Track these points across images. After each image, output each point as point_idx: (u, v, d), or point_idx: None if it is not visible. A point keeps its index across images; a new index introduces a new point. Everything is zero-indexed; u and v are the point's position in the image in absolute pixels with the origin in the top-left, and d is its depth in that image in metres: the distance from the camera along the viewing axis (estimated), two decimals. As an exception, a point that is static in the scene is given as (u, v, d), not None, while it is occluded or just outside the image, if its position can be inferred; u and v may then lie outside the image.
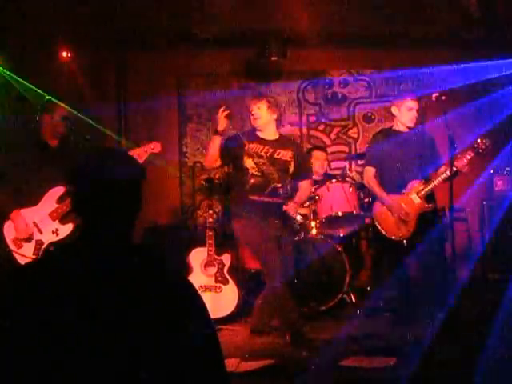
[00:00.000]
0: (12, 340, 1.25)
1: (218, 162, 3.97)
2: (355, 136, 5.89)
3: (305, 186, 4.10)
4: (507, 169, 5.31)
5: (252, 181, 3.87)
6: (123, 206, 1.42)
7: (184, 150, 5.75)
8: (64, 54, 5.19)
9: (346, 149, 5.89)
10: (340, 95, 5.89)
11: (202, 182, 5.06)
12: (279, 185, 3.84)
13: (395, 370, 3.13)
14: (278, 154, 3.95)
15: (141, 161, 3.59)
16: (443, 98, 3.98)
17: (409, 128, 4.29)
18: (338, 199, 4.62)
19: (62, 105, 3.81)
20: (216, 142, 3.88)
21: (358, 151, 5.80)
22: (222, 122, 3.83)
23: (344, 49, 5.67)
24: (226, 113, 3.80)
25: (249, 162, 3.89)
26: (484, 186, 5.38)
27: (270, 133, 3.98)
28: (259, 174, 3.87)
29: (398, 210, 4.16)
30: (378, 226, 4.30)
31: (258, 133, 3.97)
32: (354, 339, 3.75)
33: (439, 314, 3.94)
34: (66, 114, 3.79)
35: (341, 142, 5.90)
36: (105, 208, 1.39)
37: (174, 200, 5.70)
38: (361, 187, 5.04)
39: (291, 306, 3.81)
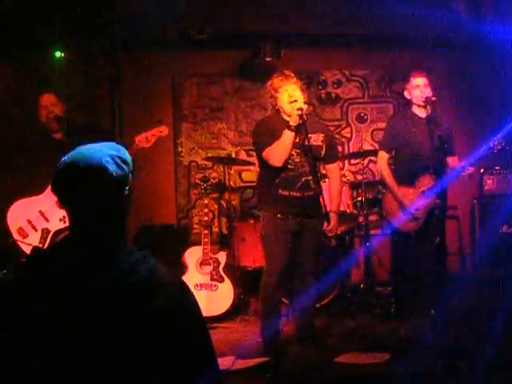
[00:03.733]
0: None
1: None
2: (348, 136, 5.96)
3: (335, 177, 3.79)
4: (497, 168, 5.38)
5: (282, 175, 3.54)
6: (109, 204, 1.37)
7: (179, 149, 5.79)
8: (59, 53, 5.21)
9: (340, 148, 5.94)
10: (333, 95, 5.96)
11: (198, 181, 5.10)
12: (310, 177, 3.54)
13: (389, 366, 3.20)
14: (309, 140, 3.52)
15: (148, 144, 3.76)
16: (433, 98, 4.04)
17: (423, 107, 4.13)
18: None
19: (50, 95, 3.86)
20: (291, 138, 3.45)
21: (351, 151, 5.87)
22: (296, 118, 3.43)
23: (337, 49, 5.73)
24: (300, 111, 3.42)
25: None
26: (475, 185, 5.45)
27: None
28: (292, 166, 3.54)
29: (408, 206, 4.12)
30: (387, 216, 4.33)
31: (288, 118, 3.51)
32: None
33: (431, 310, 4.02)
34: (51, 102, 3.84)
35: (334, 142, 5.95)
36: (89, 206, 1.36)
37: (169, 199, 5.73)
38: (354, 186, 5.10)
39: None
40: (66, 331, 1.24)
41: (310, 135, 3.53)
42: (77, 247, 1.35)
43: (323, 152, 3.65)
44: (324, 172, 4.11)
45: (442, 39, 5.42)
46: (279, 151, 3.48)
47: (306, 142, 3.49)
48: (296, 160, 3.54)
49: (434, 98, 4.03)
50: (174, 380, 1.29)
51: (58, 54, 5.22)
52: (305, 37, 5.40)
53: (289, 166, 3.53)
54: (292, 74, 3.59)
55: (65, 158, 1.38)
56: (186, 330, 1.33)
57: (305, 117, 3.45)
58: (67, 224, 3.77)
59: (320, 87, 5.92)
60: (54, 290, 1.27)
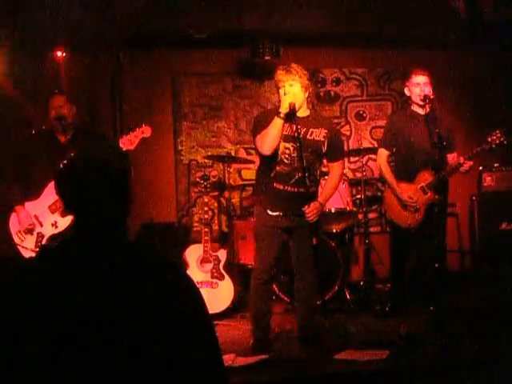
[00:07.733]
0: (10, 339, 1.27)
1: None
2: (347, 133, 5.98)
3: (333, 175, 3.66)
4: (496, 165, 5.39)
5: (278, 168, 3.49)
6: (113, 198, 1.43)
7: (179, 148, 5.82)
8: (59, 53, 5.23)
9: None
10: (332, 93, 5.98)
11: (198, 179, 5.12)
12: (306, 174, 3.40)
13: (388, 363, 3.23)
14: (310, 135, 3.52)
15: (132, 146, 3.59)
16: (432, 97, 4.06)
17: (421, 107, 4.16)
18: (331, 196, 4.69)
19: (60, 97, 3.87)
20: (280, 126, 3.40)
21: (350, 148, 5.89)
22: (286, 105, 3.39)
23: (336, 48, 5.75)
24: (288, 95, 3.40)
25: (280, 147, 3.46)
26: (474, 182, 5.47)
27: (301, 110, 3.51)
28: (287, 161, 3.47)
29: (407, 201, 4.16)
30: (387, 212, 4.39)
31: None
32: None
33: (431, 307, 4.04)
34: (59, 104, 3.84)
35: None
36: (92, 206, 1.41)
37: (169, 197, 5.76)
38: (353, 184, 5.13)
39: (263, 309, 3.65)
40: (75, 327, 1.27)
41: (311, 130, 3.50)
42: (84, 244, 1.38)
43: (324, 148, 3.56)
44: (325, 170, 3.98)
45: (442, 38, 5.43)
46: (267, 138, 3.42)
47: (300, 136, 3.41)
48: (293, 154, 3.46)
49: (432, 97, 4.05)
50: (180, 377, 1.32)
51: (59, 53, 5.24)
52: (304, 35, 5.41)
53: (285, 161, 3.48)
54: (295, 68, 3.51)
55: (71, 157, 1.45)
56: (196, 327, 1.37)
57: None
58: (59, 229, 3.77)
59: (319, 85, 5.95)
60: (63, 287, 1.30)
